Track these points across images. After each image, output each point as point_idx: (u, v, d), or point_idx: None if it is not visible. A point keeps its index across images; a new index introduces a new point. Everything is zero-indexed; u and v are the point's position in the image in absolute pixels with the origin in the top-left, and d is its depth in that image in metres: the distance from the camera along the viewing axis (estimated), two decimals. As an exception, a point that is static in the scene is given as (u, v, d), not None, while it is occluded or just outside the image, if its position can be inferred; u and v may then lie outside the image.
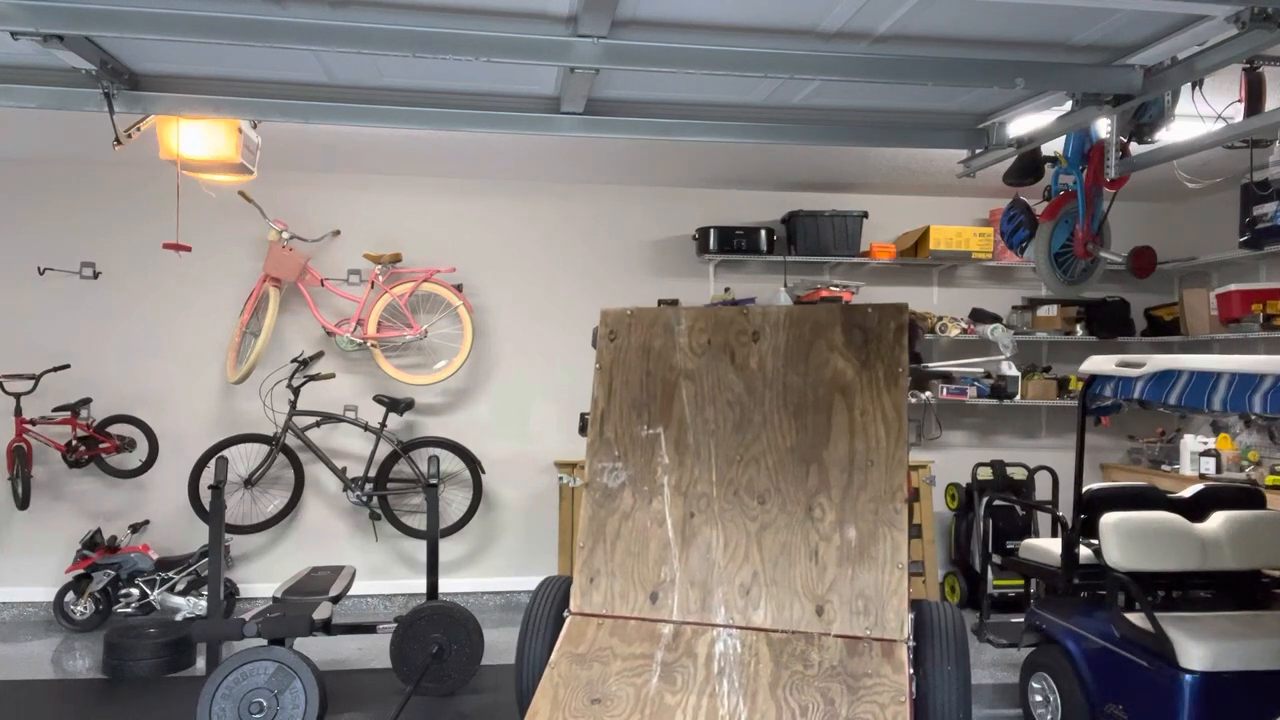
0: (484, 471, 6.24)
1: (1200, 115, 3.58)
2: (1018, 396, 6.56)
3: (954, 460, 6.74)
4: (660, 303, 6.66)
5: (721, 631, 3.31)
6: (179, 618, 5.72)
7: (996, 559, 5.74)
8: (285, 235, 6.02)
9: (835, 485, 3.40)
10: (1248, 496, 4.52)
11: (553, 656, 3.25)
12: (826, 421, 3.47)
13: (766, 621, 3.31)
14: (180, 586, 5.87)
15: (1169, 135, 3.76)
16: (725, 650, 3.24)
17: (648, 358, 3.70)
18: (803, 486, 3.43)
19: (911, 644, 3.16)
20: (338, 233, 6.34)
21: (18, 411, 5.78)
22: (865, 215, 6.57)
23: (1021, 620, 4.58)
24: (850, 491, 3.38)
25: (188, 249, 5.20)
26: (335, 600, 4.63)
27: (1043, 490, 6.43)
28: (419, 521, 6.17)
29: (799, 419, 3.50)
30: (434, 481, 5.01)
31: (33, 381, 5.86)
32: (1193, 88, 3.46)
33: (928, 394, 6.50)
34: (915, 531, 5.99)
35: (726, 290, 6.60)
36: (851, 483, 3.39)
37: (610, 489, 3.58)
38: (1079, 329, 6.79)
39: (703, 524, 3.47)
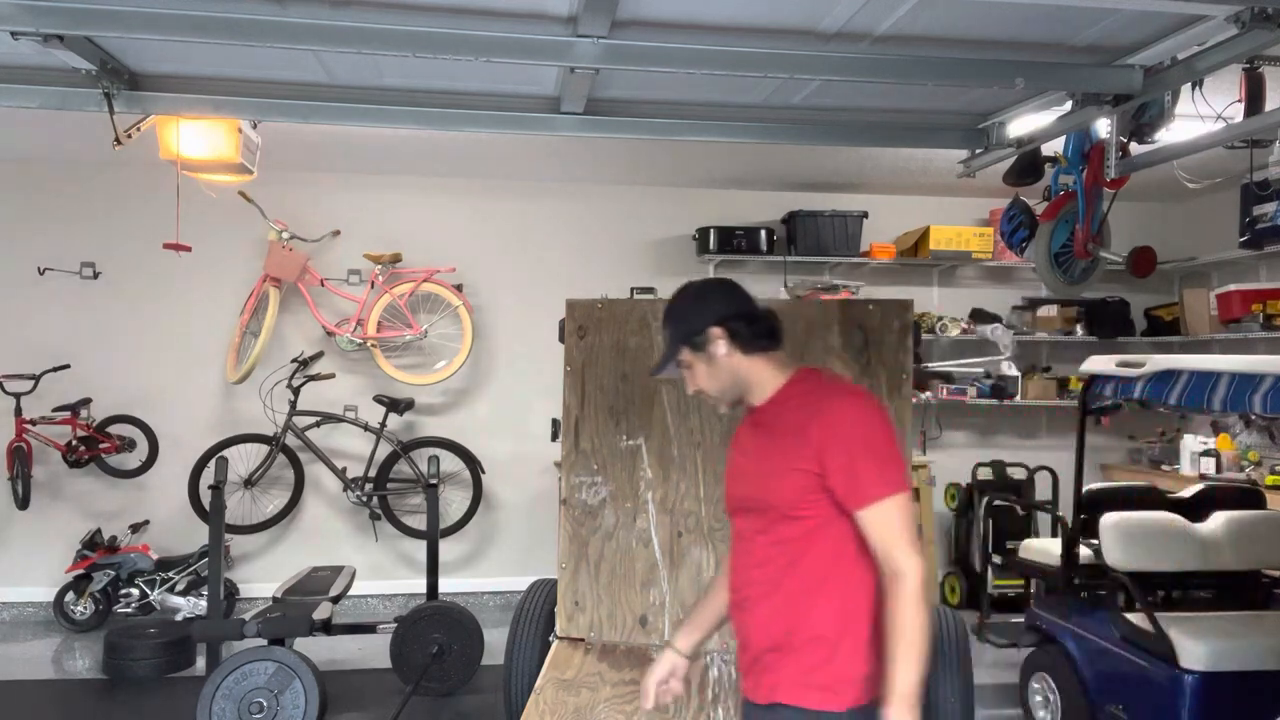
0: (484, 471, 6.24)
1: (1200, 115, 3.57)
2: (1018, 396, 6.56)
3: (954, 460, 6.73)
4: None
5: (715, 657, 3.18)
6: (179, 618, 5.72)
7: (996, 559, 5.74)
8: (285, 235, 6.01)
9: None
10: (1248, 496, 4.52)
11: (539, 681, 3.12)
12: None
13: None
14: (180, 586, 5.87)
15: (1169, 135, 3.75)
16: (719, 676, 3.11)
17: (623, 358, 3.44)
18: None
19: None
20: (338, 233, 6.34)
21: (18, 411, 5.78)
22: (865, 215, 6.56)
23: (1021, 620, 4.58)
24: None
25: (188, 249, 5.20)
26: (335, 600, 4.63)
27: (1043, 490, 6.41)
28: (419, 521, 6.16)
29: None
30: (434, 481, 5.01)
31: (33, 381, 5.86)
32: (1193, 88, 3.45)
33: (928, 394, 6.52)
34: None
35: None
36: None
37: (590, 506, 3.39)
38: (1079, 329, 6.79)
39: (691, 544, 3.29)
